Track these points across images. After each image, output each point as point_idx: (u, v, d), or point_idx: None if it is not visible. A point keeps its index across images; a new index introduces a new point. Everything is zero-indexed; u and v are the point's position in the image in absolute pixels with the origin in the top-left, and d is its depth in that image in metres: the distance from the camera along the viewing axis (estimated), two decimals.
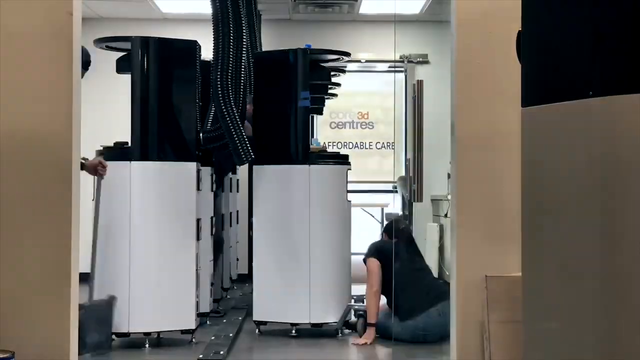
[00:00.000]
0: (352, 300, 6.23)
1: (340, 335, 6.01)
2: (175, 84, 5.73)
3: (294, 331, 6.02)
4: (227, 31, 5.60)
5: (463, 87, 4.14)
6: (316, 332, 6.07)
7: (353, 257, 6.30)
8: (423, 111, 8.10)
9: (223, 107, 5.62)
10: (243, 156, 5.71)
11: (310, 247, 5.96)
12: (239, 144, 5.67)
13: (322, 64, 6.48)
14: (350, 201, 6.24)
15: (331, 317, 6.03)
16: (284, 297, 6.01)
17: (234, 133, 5.64)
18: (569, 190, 2.38)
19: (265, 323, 6.13)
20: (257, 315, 6.12)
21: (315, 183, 6.03)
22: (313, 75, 6.18)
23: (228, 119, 5.62)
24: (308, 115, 6.21)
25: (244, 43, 5.75)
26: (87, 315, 5.14)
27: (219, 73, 5.61)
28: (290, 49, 6.21)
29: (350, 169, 6.28)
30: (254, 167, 6.19)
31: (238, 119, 5.68)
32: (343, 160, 6.30)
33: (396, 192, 9.82)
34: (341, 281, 6.13)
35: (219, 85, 5.61)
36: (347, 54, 6.49)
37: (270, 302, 6.06)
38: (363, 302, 6.15)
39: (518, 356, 4.07)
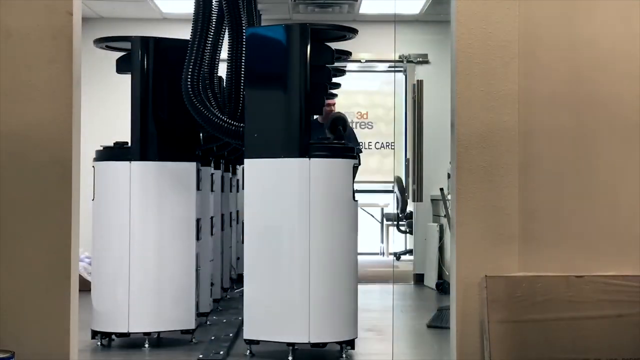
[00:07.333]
0: None
1: (343, 357, 5.19)
2: (175, 84, 5.72)
3: (290, 354, 5.08)
4: (204, 32, 5.50)
5: (463, 87, 4.14)
6: (317, 354, 5.23)
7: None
8: (423, 111, 8.10)
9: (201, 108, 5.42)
10: None
11: (311, 253, 5.08)
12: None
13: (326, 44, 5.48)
14: (357, 201, 5.31)
15: (334, 336, 5.19)
16: (280, 312, 5.12)
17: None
18: None
19: (257, 342, 5.23)
20: (248, 333, 5.21)
21: (316, 179, 5.11)
22: (314, 57, 5.26)
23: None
24: (309, 99, 5.23)
25: (245, 43, 5.73)
26: None
27: (189, 71, 5.42)
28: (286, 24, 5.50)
29: (357, 164, 5.44)
30: (245, 160, 5.32)
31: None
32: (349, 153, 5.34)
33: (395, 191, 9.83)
34: (347, 294, 5.23)
35: (189, 86, 5.40)
36: (354, 30, 5.53)
37: (264, 318, 5.16)
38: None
39: (518, 356, 4.08)
